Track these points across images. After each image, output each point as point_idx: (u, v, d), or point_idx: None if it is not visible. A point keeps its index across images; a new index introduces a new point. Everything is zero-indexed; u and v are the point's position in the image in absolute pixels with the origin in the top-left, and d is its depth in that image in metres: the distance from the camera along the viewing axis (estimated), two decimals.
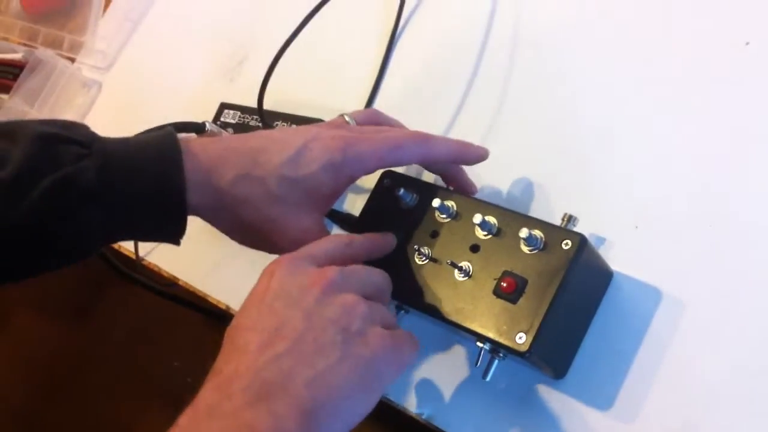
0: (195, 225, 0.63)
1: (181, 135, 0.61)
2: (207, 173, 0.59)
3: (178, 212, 0.59)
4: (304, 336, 0.50)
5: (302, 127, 0.64)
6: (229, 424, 0.46)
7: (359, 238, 0.60)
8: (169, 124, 0.69)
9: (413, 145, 0.62)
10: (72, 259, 0.60)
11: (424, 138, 0.63)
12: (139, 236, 0.65)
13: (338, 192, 0.62)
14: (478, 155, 0.64)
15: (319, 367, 0.48)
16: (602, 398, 0.58)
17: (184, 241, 0.62)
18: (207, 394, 0.48)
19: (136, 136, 0.62)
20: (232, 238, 0.63)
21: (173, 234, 0.61)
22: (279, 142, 0.61)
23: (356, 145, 0.60)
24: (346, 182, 0.62)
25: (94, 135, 0.60)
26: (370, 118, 0.68)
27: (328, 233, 0.63)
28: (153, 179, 0.58)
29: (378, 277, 0.57)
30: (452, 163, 0.65)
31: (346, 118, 0.66)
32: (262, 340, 0.49)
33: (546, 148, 0.68)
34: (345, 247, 0.58)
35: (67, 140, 0.58)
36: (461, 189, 0.66)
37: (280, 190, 0.60)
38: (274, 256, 0.55)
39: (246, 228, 0.61)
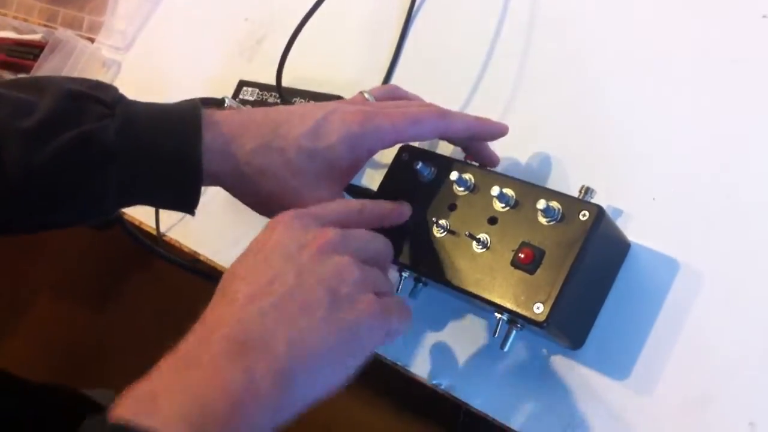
0: (215, 201, 0.64)
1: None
2: (227, 142, 0.60)
3: (193, 178, 0.60)
4: (292, 293, 0.50)
5: (322, 102, 0.65)
6: (205, 376, 0.45)
7: (371, 205, 0.60)
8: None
9: (432, 121, 0.62)
10: (87, 217, 0.61)
11: (443, 114, 0.63)
12: (155, 201, 0.65)
13: (357, 165, 0.63)
14: (497, 131, 0.65)
15: (302, 326, 0.48)
16: (619, 369, 0.58)
17: (203, 217, 0.63)
18: (188, 341, 0.48)
19: (164, 103, 0.63)
20: (252, 208, 0.64)
21: (188, 202, 0.62)
22: (299, 115, 0.62)
23: (375, 119, 0.61)
24: (364, 156, 0.62)
25: (121, 97, 0.61)
26: (389, 93, 0.68)
27: None
28: (171, 144, 0.59)
29: (379, 243, 0.57)
30: (471, 139, 0.65)
31: (366, 95, 0.67)
32: (251, 292, 0.50)
33: (564, 121, 0.68)
34: (357, 214, 0.58)
35: (94, 99, 0.60)
36: (484, 161, 0.66)
37: (299, 160, 0.60)
38: None
39: (265, 198, 0.62)
